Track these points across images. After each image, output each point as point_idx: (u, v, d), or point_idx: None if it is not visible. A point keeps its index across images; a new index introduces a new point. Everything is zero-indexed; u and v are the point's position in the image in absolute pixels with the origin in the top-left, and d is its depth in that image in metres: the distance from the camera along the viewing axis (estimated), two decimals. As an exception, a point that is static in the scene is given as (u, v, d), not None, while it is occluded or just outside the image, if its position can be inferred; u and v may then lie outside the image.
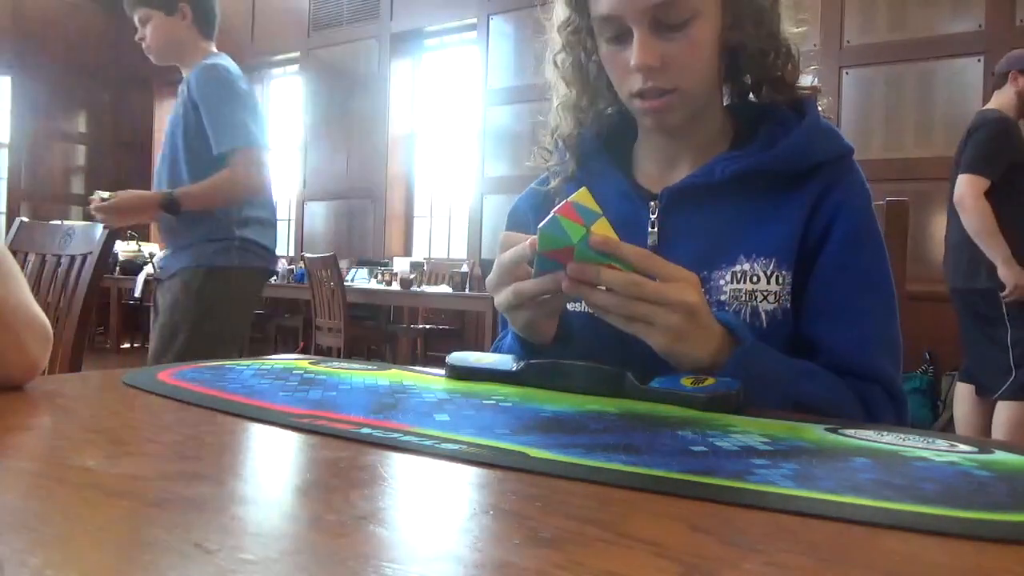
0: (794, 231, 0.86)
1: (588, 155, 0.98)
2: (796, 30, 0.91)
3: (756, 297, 0.86)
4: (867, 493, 0.44)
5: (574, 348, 0.86)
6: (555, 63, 0.98)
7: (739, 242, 0.88)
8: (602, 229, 0.69)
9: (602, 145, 0.98)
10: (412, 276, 5.20)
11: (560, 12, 0.95)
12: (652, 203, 0.92)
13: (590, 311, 0.92)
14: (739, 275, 0.87)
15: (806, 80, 0.93)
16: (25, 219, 1.70)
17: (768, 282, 0.86)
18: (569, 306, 0.94)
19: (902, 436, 0.60)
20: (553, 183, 1.01)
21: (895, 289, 0.88)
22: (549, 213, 0.70)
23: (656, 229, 0.92)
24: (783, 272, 0.86)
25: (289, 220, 7.70)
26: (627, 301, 0.70)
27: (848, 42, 4.64)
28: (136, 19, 2.28)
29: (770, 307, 0.86)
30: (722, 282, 0.87)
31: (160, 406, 0.66)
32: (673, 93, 0.86)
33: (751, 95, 0.96)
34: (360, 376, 0.82)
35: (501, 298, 0.78)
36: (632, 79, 0.86)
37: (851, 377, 0.83)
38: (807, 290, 0.87)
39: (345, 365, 0.91)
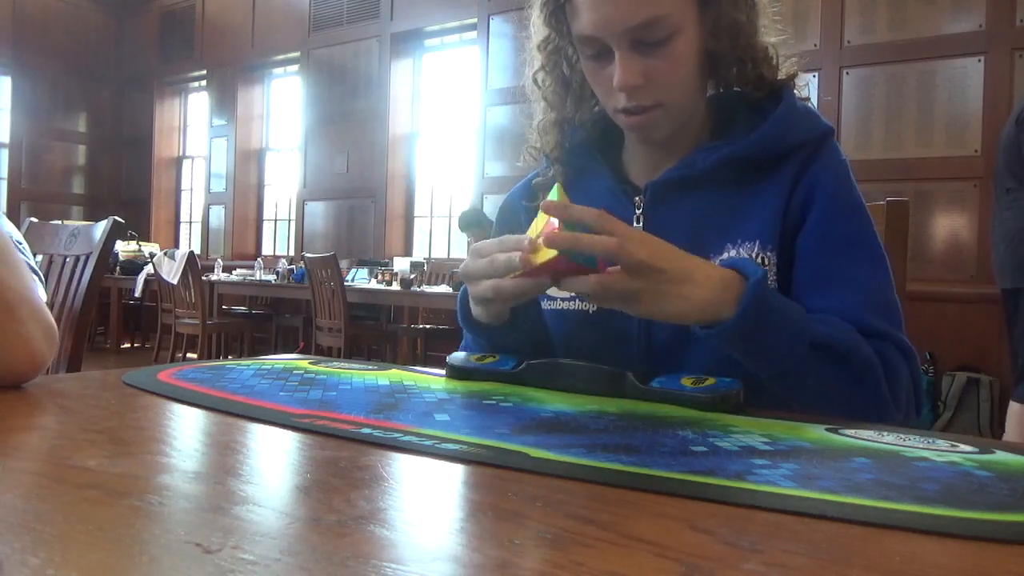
0: (776, 211, 0.87)
1: (577, 152, 0.98)
2: (774, 39, 0.91)
3: None
4: (867, 493, 0.44)
5: (520, 330, 0.86)
6: (536, 82, 0.98)
7: (724, 231, 0.88)
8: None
9: (591, 143, 0.98)
10: (412, 276, 5.20)
11: (539, 31, 0.95)
12: (637, 198, 0.93)
13: (591, 311, 0.92)
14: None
15: (806, 81, 0.93)
16: (34, 220, 1.70)
17: None
18: (567, 305, 0.94)
19: (903, 436, 0.60)
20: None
21: (885, 255, 0.87)
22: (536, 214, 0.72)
23: (641, 224, 0.92)
24: (768, 253, 0.86)
25: (289, 220, 7.70)
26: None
27: (848, 42, 4.63)
28: None
29: None
30: None
31: (160, 406, 0.66)
32: (657, 108, 0.87)
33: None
34: (360, 376, 0.82)
35: (479, 289, 0.77)
36: (616, 96, 0.87)
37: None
38: (795, 266, 0.87)
39: (345, 365, 0.90)
